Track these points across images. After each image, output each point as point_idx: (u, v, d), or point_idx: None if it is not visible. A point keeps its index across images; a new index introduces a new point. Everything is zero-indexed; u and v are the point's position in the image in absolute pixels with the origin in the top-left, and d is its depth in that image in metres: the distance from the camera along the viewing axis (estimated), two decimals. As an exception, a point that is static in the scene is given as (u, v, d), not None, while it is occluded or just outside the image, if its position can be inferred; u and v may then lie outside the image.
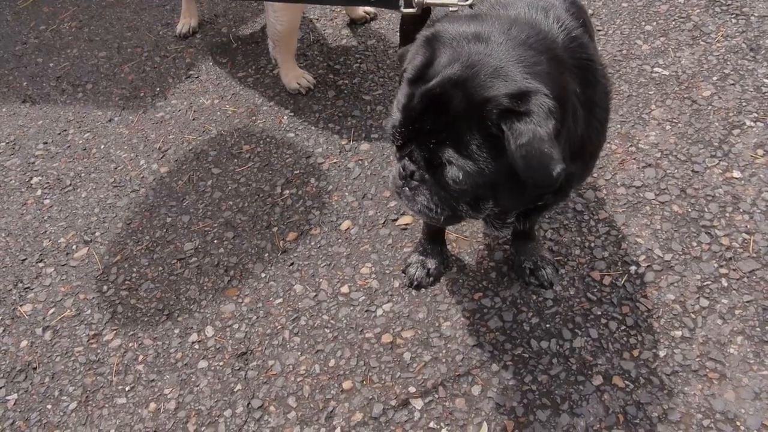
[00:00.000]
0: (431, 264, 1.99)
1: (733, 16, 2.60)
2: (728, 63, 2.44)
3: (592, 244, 2.03)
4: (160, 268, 2.17)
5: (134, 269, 2.18)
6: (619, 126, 2.32)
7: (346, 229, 2.19)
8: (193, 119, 2.65)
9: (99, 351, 1.99)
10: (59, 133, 2.69)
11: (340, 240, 2.16)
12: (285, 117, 2.58)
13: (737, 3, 2.64)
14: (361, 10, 2.86)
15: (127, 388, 1.90)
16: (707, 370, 1.72)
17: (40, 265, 2.23)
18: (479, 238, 2.11)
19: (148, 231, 2.29)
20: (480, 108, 1.16)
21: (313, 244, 2.17)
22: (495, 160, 1.19)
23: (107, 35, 3.10)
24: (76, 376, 1.94)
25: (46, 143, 2.66)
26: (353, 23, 2.89)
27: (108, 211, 2.37)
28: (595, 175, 2.20)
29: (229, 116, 2.63)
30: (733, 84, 2.38)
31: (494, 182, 1.23)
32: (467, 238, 2.11)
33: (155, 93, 2.78)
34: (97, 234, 2.31)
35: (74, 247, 2.28)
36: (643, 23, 2.64)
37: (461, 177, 1.21)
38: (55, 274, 2.21)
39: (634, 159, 2.22)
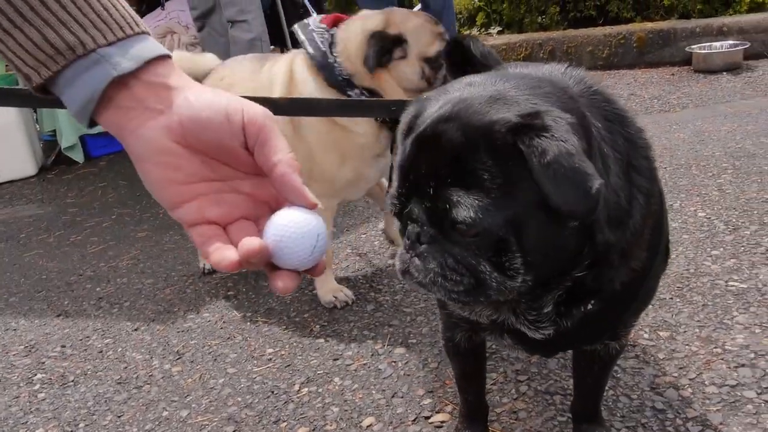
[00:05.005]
0: (469, 454, 1.54)
1: (810, 243, 2.40)
2: (816, 278, 2.16)
3: (683, 444, 1.55)
4: (138, 459, 1.78)
5: (108, 460, 1.79)
6: (697, 330, 1.97)
7: (368, 426, 1.79)
8: (221, 328, 2.46)
9: None
10: (81, 339, 2.53)
11: (358, 436, 1.75)
12: (317, 326, 2.37)
13: (811, 233, 2.46)
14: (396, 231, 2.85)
15: None
16: None
17: (4, 453, 1.88)
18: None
19: (138, 423, 1.94)
20: (484, 131, 0.97)
21: (325, 439, 1.76)
22: (512, 187, 0.96)
23: (159, 268, 3.14)
24: None
25: (63, 346, 2.49)
26: (392, 243, 2.85)
27: (101, 405, 2.07)
28: (675, 374, 1.80)
29: (258, 325, 2.43)
30: (827, 294, 2.06)
31: (516, 219, 0.97)
32: (518, 436, 1.66)
33: (189, 308, 2.67)
34: (81, 425, 1.97)
35: (50, 436, 1.94)
36: (709, 249, 2.45)
37: (473, 215, 0.96)
38: (15, 462, 1.84)
39: (722, 360, 1.83)
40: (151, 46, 0.77)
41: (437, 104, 1.08)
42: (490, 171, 0.97)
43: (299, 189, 0.76)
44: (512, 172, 0.96)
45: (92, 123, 0.77)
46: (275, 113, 0.81)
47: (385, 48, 2.09)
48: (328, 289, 2.49)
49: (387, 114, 1.87)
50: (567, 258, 1.06)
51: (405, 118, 1.14)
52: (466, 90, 1.08)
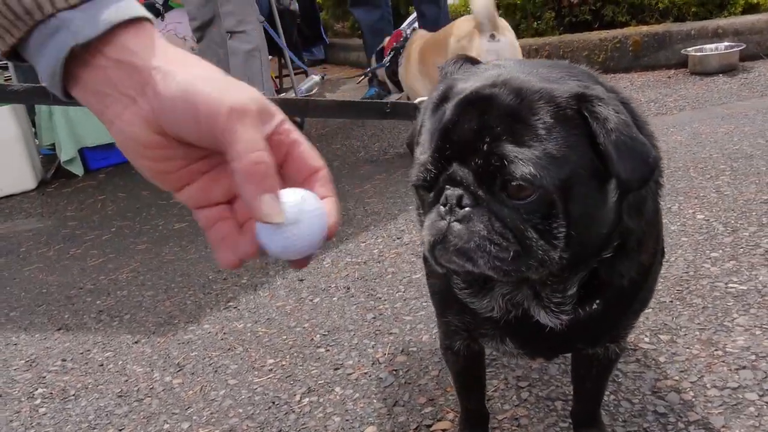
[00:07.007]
0: (471, 462, 1.54)
1: (809, 243, 2.39)
2: (815, 278, 2.16)
3: (685, 448, 1.54)
4: (140, 473, 1.77)
5: (109, 474, 1.79)
6: (698, 333, 1.97)
7: (369, 435, 1.79)
8: (222, 339, 2.46)
9: None
10: (81, 353, 2.53)
11: (360, 445, 1.75)
12: (318, 335, 2.37)
13: (810, 234, 2.46)
14: None
15: None
16: None
17: (6, 469, 1.88)
18: (535, 442, 1.65)
19: (140, 437, 1.94)
20: (543, 95, 0.98)
21: (327, 449, 1.75)
22: (568, 150, 0.96)
23: (159, 280, 3.14)
24: None
25: (64, 360, 2.49)
26: None
27: (102, 419, 2.06)
28: (676, 378, 1.80)
29: (259, 336, 2.43)
30: (827, 295, 2.06)
31: (568, 182, 0.96)
32: (519, 443, 1.66)
33: (189, 320, 2.67)
34: (82, 440, 1.97)
35: (51, 451, 1.93)
36: (708, 251, 2.45)
37: (532, 171, 0.93)
38: (17, 478, 1.83)
39: (723, 362, 1.83)
40: (124, 8, 0.68)
41: (474, 78, 1.07)
42: (549, 130, 0.96)
43: (254, 210, 0.69)
44: (570, 135, 0.97)
45: (69, 96, 0.71)
46: None
47: None
48: None
49: (381, 116, 1.87)
50: (602, 237, 1.06)
51: (436, 93, 1.12)
52: (500, 68, 1.09)
